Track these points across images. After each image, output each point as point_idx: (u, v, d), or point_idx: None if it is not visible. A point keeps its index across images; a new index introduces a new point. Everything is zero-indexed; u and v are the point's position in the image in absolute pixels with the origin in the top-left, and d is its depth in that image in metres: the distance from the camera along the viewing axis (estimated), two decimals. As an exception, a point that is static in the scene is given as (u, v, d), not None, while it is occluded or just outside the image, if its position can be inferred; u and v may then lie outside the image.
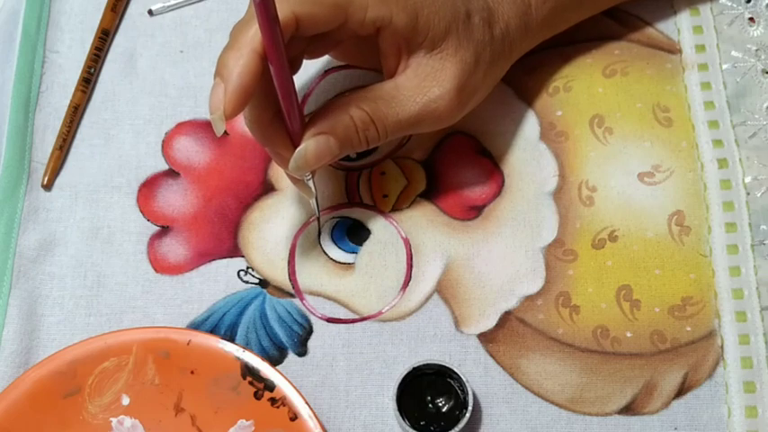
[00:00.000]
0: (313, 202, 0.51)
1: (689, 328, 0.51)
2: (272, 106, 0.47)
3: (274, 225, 0.54)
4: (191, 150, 0.55)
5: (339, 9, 0.46)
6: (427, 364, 0.49)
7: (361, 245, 0.53)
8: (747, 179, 0.54)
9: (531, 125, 0.56)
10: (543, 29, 0.53)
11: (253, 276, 0.52)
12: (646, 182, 0.54)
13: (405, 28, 0.47)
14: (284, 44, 0.43)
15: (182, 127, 0.56)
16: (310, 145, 0.47)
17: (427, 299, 0.52)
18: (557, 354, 0.50)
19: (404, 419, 0.48)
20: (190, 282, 0.52)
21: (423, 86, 0.48)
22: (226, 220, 0.54)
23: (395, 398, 0.48)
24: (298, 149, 0.47)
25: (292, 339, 0.51)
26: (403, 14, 0.47)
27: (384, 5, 0.47)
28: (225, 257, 0.53)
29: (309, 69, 0.57)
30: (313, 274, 0.52)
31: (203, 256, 0.53)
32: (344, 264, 0.53)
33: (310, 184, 0.50)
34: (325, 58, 0.57)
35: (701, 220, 0.53)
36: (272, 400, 0.48)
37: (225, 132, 0.56)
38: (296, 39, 0.46)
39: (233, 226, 0.54)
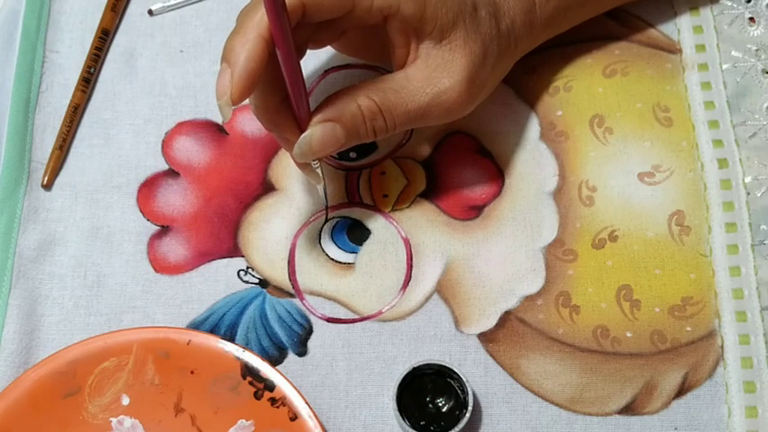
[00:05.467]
0: (321, 188, 0.51)
1: (689, 328, 0.51)
2: (278, 92, 0.46)
3: (274, 225, 0.54)
4: (190, 150, 0.55)
5: None
6: (427, 364, 0.49)
7: (361, 245, 0.53)
8: (747, 179, 0.54)
9: (531, 125, 0.56)
10: (547, 27, 0.53)
11: (253, 276, 0.52)
12: (646, 182, 0.54)
13: (413, 16, 0.47)
14: (291, 29, 0.43)
15: (181, 127, 0.56)
16: (316, 131, 0.46)
17: (427, 299, 0.52)
18: (557, 354, 0.50)
19: (404, 419, 0.48)
20: (190, 282, 0.52)
21: (433, 77, 0.48)
22: (226, 219, 0.54)
23: (395, 398, 0.48)
24: (303, 135, 0.46)
25: (292, 339, 0.51)
26: (411, 2, 0.47)
27: None
28: (225, 257, 0.53)
29: (309, 69, 0.57)
30: (313, 273, 0.52)
31: (203, 256, 0.53)
32: (344, 264, 0.53)
33: (318, 171, 0.50)
34: (326, 57, 0.57)
35: (702, 219, 0.53)
36: (272, 400, 0.48)
37: (225, 132, 0.56)
38: (302, 25, 0.46)
39: (233, 226, 0.54)
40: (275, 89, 0.46)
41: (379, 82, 0.48)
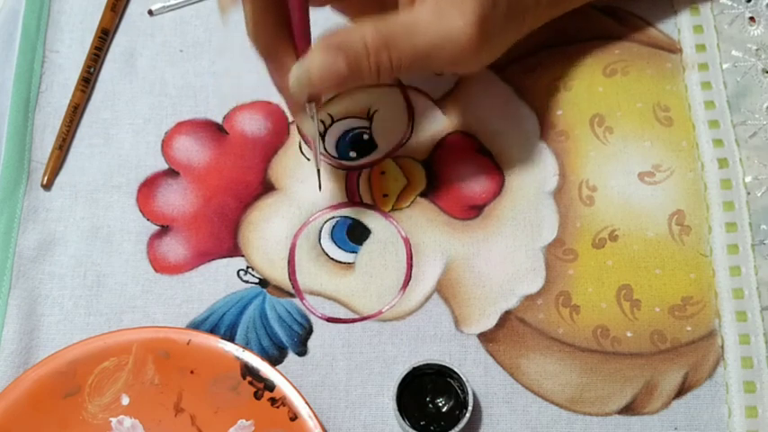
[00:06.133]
0: (317, 140, 0.49)
1: (689, 328, 0.51)
2: (279, 13, 0.43)
3: (274, 224, 0.54)
4: (190, 150, 0.55)
5: None
6: (427, 364, 0.49)
7: (361, 244, 0.53)
8: (748, 179, 0.54)
9: (531, 124, 0.56)
10: (552, 4, 0.52)
11: (253, 276, 0.52)
12: (646, 181, 0.54)
13: None
14: None
15: (181, 126, 0.56)
16: (316, 58, 0.43)
17: (427, 298, 0.52)
18: (557, 353, 0.50)
19: (404, 419, 0.48)
20: (189, 281, 0.52)
21: (443, 15, 0.45)
22: (225, 219, 0.54)
23: (395, 398, 0.48)
24: (301, 60, 0.43)
25: (292, 339, 0.51)
26: None
27: None
28: (225, 257, 0.53)
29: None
30: (313, 273, 0.52)
31: (203, 256, 0.53)
32: (344, 263, 0.53)
33: (314, 118, 0.47)
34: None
35: (702, 219, 0.53)
36: (272, 400, 0.48)
37: (225, 132, 0.56)
38: None
39: (233, 225, 0.54)
40: (276, 8, 0.43)
41: (385, 16, 0.45)
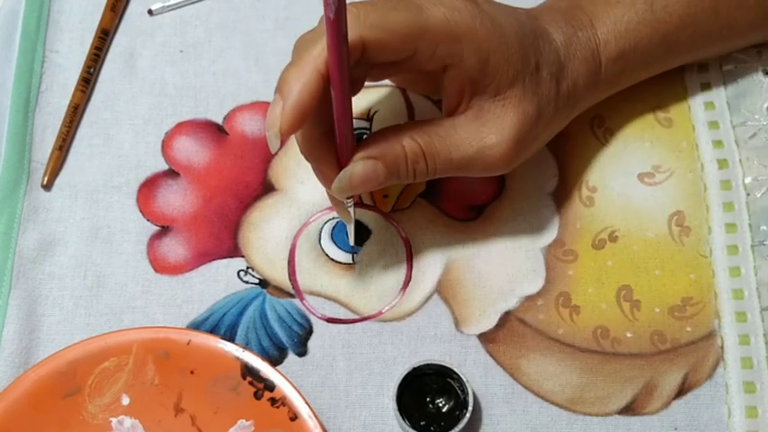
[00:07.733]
0: (351, 228, 0.51)
1: (689, 329, 0.51)
2: (324, 124, 0.46)
3: (274, 225, 0.54)
4: (190, 150, 0.55)
5: (409, 40, 0.45)
6: (427, 364, 0.49)
7: (361, 245, 0.53)
8: (747, 180, 0.54)
9: (531, 125, 0.56)
10: (610, 87, 0.52)
11: (253, 276, 0.52)
12: (646, 182, 0.54)
13: (473, 69, 0.46)
14: (349, 67, 0.42)
15: (181, 127, 0.56)
16: (357, 167, 0.46)
17: (427, 299, 0.52)
18: (557, 354, 0.50)
19: (404, 419, 0.48)
20: (190, 282, 0.52)
21: (481, 131, 0.47)
22: (226, 219, 0.54)
23: (395, 398, 0.48)
24: (344, 170, 0.46)
25: (292, 339, 0.51)
26: (474, 56, 0.46)
27: (456, 44, 0.45)
28: (225, 257, 0.53)
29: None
30: (313, 273, 0.52)
31: (203, 256, 0.53)
32: (344, 264, 0.53)
33: (351, 210, 0.50)
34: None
35: (702, 220, 0.53)
36: (272, 400, 0.48)
37: (225, 132, 0.56)
38: (360, 63, 0.45)
39: (233, 226, 0.54)
40: (321, 121, 0.46)
41: (426, 126, 0.47)
